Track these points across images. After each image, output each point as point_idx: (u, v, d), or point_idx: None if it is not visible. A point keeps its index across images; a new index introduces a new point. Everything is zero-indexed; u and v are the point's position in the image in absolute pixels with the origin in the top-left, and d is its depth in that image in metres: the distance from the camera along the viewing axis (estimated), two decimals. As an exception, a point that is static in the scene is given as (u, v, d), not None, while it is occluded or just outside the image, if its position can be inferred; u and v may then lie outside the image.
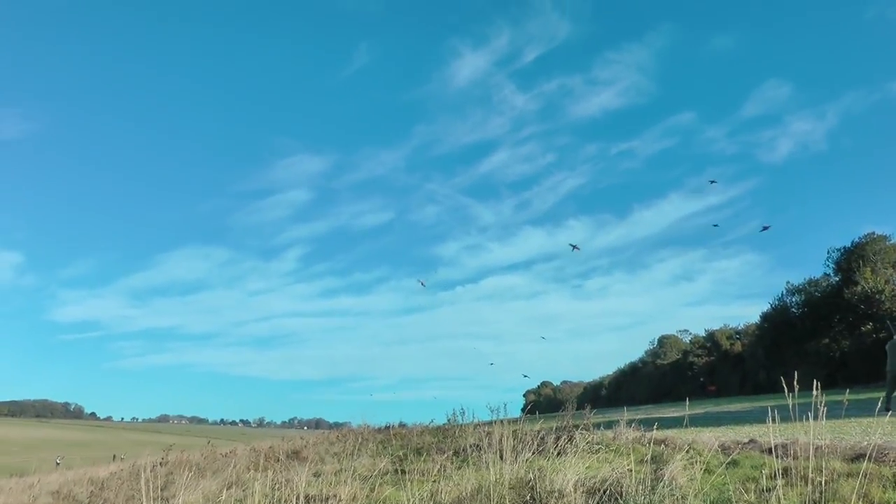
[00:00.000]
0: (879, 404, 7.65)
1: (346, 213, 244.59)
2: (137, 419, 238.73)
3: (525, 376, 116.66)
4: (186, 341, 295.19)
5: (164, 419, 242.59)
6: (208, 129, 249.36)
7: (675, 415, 25.01)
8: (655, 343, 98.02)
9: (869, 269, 53.53)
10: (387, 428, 26.85)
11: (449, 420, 24.11)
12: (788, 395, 6.18)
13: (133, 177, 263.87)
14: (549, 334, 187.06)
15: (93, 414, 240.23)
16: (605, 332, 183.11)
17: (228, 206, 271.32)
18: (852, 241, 57.40)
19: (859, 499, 5.88)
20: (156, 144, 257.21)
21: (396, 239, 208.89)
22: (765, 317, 64.35)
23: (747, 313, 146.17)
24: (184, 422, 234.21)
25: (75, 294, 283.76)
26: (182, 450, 24.30)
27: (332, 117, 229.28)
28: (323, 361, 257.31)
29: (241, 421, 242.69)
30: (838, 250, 58.08)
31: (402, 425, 27.75)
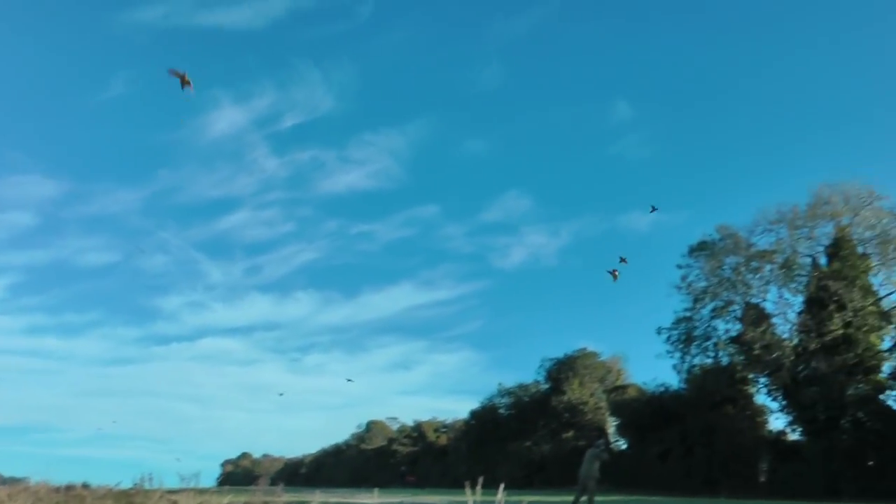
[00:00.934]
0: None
1: (70, 246, 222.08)
2: None
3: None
4: None
5: None
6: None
7: (370, 502, 25.09)
8: (363, 427, 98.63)
9: (577, 381, 58.83)
10: (68, 488, 25.09)
11: (136, 484, 23.00)
12: (473, 491, 6.15)
13: None
14: (258, 405, 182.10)
15: None
16: (316, 409, 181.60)
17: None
18: (565, 354, 62.77)
19: None
20: None
21: (118, 283, 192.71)
22: (473, 414, 67.50)
23: (458, 408, 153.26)
24: None
25: None
26: None
27: (74, 142, 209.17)
28: (7, 406, 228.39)
29: None
30: (551, 360, 63.04)
31: (85, 486, 26.07)
